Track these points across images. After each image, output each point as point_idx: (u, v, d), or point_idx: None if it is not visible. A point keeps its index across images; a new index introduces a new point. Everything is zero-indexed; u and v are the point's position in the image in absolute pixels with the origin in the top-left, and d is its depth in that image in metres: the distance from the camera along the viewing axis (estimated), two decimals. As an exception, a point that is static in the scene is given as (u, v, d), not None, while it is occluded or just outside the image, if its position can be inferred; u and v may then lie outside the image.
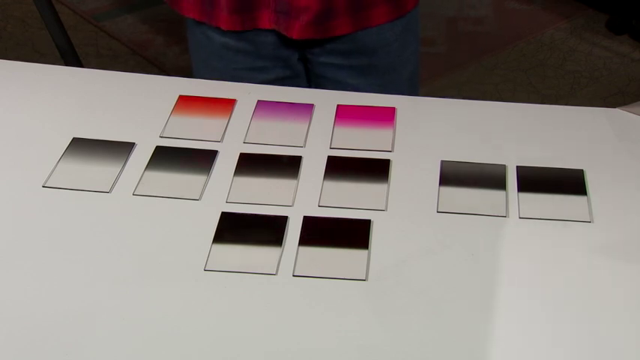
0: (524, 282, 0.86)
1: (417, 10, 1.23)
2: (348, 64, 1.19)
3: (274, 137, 1.06)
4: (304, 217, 0.93)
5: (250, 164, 1.01)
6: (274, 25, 1.13)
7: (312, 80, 1.25)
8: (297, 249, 0.89)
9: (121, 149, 1.03)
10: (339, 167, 1.01)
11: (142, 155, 1.02)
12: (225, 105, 1.11)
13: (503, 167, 1.01)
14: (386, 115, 1.09)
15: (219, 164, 1.01)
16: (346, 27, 1.13)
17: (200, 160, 1.02)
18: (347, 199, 0.96)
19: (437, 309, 0.83)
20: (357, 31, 1.15)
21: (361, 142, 1.05)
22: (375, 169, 1.00)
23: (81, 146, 1.04)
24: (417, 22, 1.24)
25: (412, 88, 1.29)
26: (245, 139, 1.05)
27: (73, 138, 1.05)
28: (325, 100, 1.12)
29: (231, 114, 1.10)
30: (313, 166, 1.01)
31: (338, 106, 1.11)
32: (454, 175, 0.99)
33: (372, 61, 1.20)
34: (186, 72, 1.31)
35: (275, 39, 1.17)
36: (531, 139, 1.05)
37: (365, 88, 1.16)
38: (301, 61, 1.23)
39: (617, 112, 1.11)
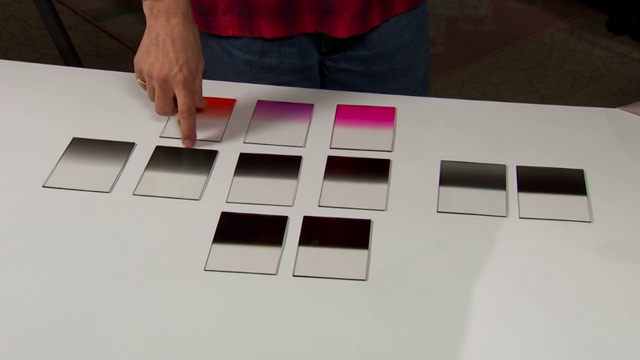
0: (524, 282, 0.86)
1: (427, 7, 1.23)
2: (368, 71, 1.20)
3: (274, 137, 1.05)
4: (304, 217, 0.93)
5: (250, 164, 1.01)
6: (318, 27, 1.12)
7: (330, 89, 1.24)
8: (297, 249, 0.89)
9: (121, 149, 1.03)
10: (339, 167, 1.01)
11: (142, 155, 1.02)
12: (225, 105, 1.11)
13: (503, 167, 1.01)
14: (386, 115, 1.09)
15: (219, 164, 1.01)
16: (378, 17, 1.14)
17: (200, 160, 1.02)
18: (347, 199, 0.96)
19: (437, 309, 0.83)
20: (381, 30, 1.16)
21: (361, 142, 1.05)
22: (375, 169, 1.00)
23: (81, 146, 1.04)
24: (427, 20, 1.25)
25: (424, 87, 1.29)
26: (245, 139, 1.05)
27: (73, 138, 1.05)
28: (325, 100, 1.12)
29: (231, 114, 1.09)
30: (313, 166, 1.01)
31: (338, 106, 1.11)
32: (454, 175, 0.99)
33: (390, 65, 1.21)
34: (186, 72, 1.30)
35: (300, 49, 1.17)
36: (531, 139, 1.05)
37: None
38: (320, 72, 1.23)
39: (617, 112, 1.11)
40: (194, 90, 1.02)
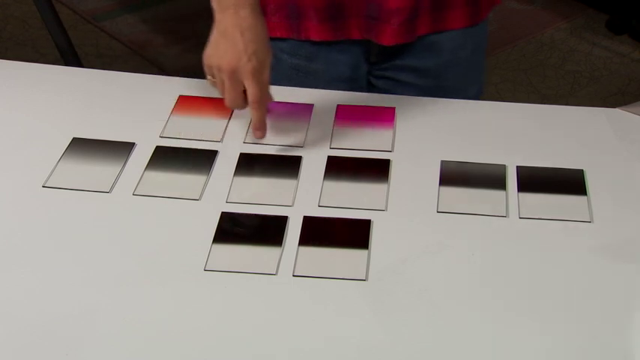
0: (524, 282, 0.86)
1: (487, 29, 1.22)
2: (416, 82, 1.18)
3: (274, 137, 1.05)
4: (304, 217, 0.93)
5: (250, 164, 1.01)
6: (365, 34, 1.11)
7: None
8: (297, 249, 0.89)
9: (121, 149, 1.03)
10: (339, 167, 1.01)
11: (142, 155, 1.02)
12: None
13: (503, 167, 1.01)
14: (386, 115, 1.09)
15: (219, 164, 1.01)
16: (425, 27, 1.12)
17: (200, 160, 1.02)
18: (347, 199, 0.96)
19: (437, 309, 0.83)
20: (433, 43, 1.14)
21: (361, 142, 1.05)
22: (375, 169, 1.00)
23: (81, 146, 1.04)
24: (485, 41, 1.23)
25: None
26: (245, 139, 1.05)
27: (73, 138, 1.05)
28: (325, 100, 1.12)
29: (231, 114, 1.09)
30: (313, 166, 1.01)
31: (338, 106, 1.11)
32: (454, 175, 0.99)
33: (440, 82, 1.19)
34: (186, 72, 1.31)
35: (348, 57, 1.15)
36: (531, 139, 1.05)
37: None
38: (366, 79, 1.21)
39: (617, 112, 1.11)
40: (263, 81, 1.00)
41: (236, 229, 0.92)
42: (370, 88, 1.21)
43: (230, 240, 0.90)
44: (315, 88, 1.14)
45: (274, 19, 1.11)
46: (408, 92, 1.18)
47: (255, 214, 0.94)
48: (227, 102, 1.01)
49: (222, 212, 0.94)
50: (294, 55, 1.14)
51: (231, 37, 0.97)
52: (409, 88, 1.19)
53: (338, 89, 1.15)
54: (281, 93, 1.13)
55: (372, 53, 1.16)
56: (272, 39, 1.12)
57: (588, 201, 0.96)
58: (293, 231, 0.91)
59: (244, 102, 1.01)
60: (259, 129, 1.02)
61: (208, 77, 1.03)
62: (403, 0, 1.06)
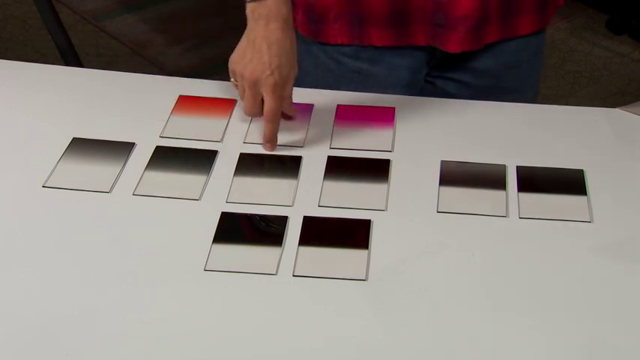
0: (524, 282, 0.86)
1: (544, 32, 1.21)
2: (474, 83, 1.18)
3: (274, 137, 1.05)
4: (304, 217, 0.93)
5: (250, 164, 1.01)
6: (430, 40, 1.10)
7: (429, 96, 1.21)
8: (297, 249, 0.89)
9: (121, 149, 1.03)
10: (339, 167, 1.01)
11: (142, 155, 1.02)
12: (225, 105, 1.11)
13: (503, 167, 1.01)
14: (386, 115, 1.09)
15: (219, 164, 1.01)
16: (494, 35, 1.11)
17: (200, 160, 1.02)
18: (347, 199, 0.96)
19: (437, 309, 0.83)
20: (499, 43, 1.13)
21: (361, 142, 1.05)
22: (375, 169, 1.00)
23: (81, 146, 1.04)
24: (544, 43, 1.23)
25: None
26: (245, 139, 1.06)
27: (73, 138, 1.05)
28: (325, 100, 1.12)
29: (231, 114, 1.10)
30: (313, 166, 1.01)
31: (338, 106, 1.11)
32: (454, 175, 0.99)
33: (498, 82, 1.19)
34: (186, 72, 1.31)
35: (410, 61, 1.15)
36: (531, 139, 1.05)
37: None
38: (424, 79, 1.20)
39: (617, 112, 1.11)
40: (283, 96, 1.01)
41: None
42: (426, 86, 1.20)
43: (230, 240, 0.90)
44: (375, 92, 1.14)
45: (336, 27, 1.11)
46: (466, 91, 1.18)
47: (255, 214, 0.94)
48: (245, 109, 1.04)
49: (222, 212, 0.94)
50: (357, 58, 1.14)
51: (259, 48, 0.99)
52: (467, 87, 1.18)
53: (396, 93, 1.14)
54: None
55: (434, 57, 1.15)
56: (333, 45, 1.12)
57: (588, 201, 0.96)
58: (293, 231, 0.91)
59: (261, 112, 1.03)
60: (270, 141, 1.03)
61: (232, 80, 1.05)
62: (470, 8, 1.05)
